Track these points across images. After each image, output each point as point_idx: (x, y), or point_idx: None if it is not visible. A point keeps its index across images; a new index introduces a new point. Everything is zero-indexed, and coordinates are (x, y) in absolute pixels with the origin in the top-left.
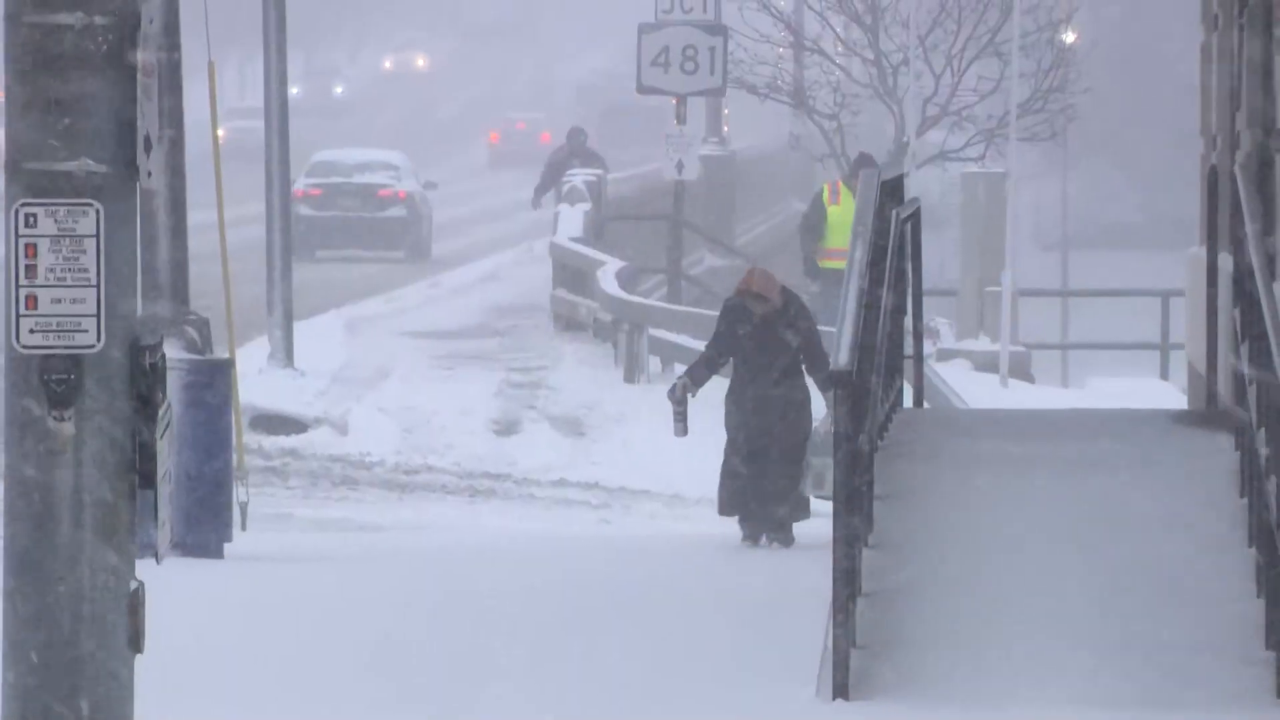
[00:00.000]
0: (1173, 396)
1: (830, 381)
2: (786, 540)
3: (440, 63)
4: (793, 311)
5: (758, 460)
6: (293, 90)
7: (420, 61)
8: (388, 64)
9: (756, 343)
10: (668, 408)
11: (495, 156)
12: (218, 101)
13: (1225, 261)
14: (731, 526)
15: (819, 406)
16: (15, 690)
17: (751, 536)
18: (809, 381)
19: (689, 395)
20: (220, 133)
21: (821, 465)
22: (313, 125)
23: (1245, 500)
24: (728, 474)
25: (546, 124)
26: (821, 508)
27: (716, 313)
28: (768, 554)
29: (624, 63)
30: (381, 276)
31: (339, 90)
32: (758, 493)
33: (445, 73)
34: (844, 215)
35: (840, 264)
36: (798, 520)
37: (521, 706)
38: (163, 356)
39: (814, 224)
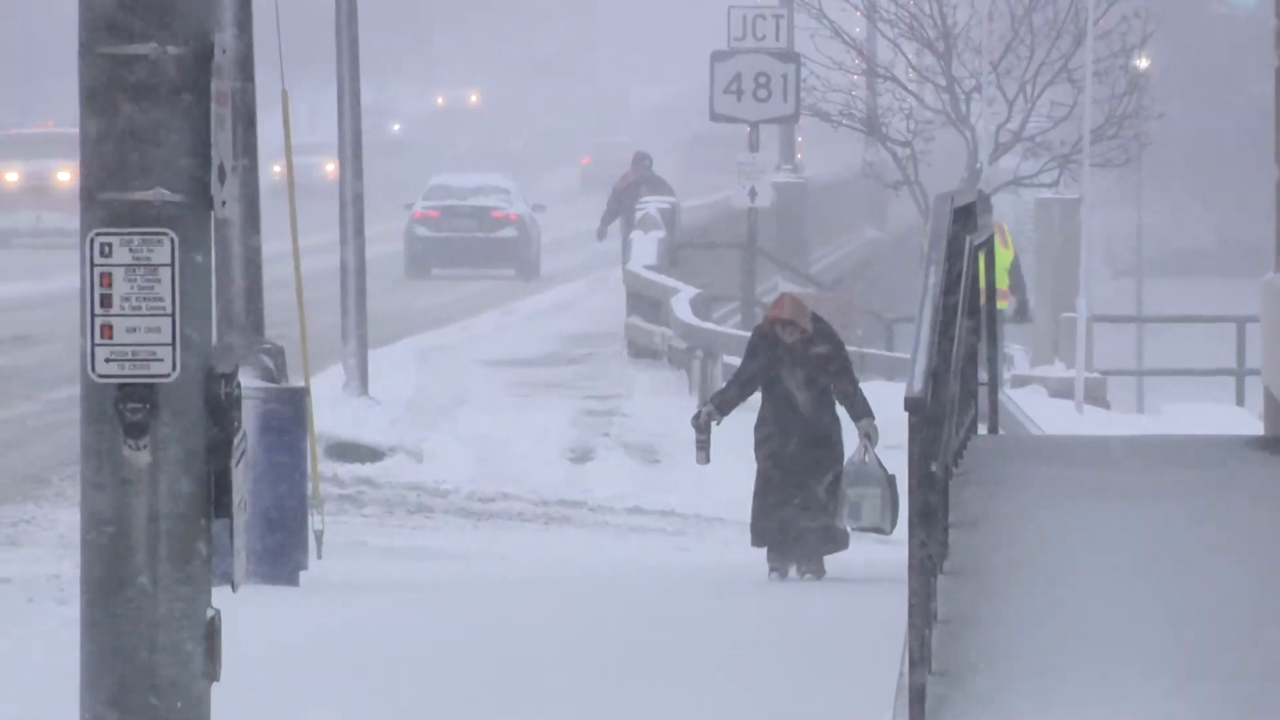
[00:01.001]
0: (1248, 423)
1: (906, 407)
2: (818, 572)
3: (494, 98)
4: (823, 338)
5: (789, 492)
6: (395, 126)
7: (474, 98)
8: (440, 100)
9: (786, 371)
10: (745, 432)
11: (586, 180)
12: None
13: None
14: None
15: (852, 436)
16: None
17: (780, 569)
18: (840, 411)
19: (713, 423)
20: (275, 169)
21: (858, 495)
22: (377, 163)
23: None
24: (759, 507)
25: (634, 148)
26: (859, 538)
27: None
28: (828, 585)
29: (701, 90)
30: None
31: (396, 128)
32: (789, 525)
33: (500, 107)
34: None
35: (999, 305)
36: (832, 552)
37: None
38: (238, 385)
39: None
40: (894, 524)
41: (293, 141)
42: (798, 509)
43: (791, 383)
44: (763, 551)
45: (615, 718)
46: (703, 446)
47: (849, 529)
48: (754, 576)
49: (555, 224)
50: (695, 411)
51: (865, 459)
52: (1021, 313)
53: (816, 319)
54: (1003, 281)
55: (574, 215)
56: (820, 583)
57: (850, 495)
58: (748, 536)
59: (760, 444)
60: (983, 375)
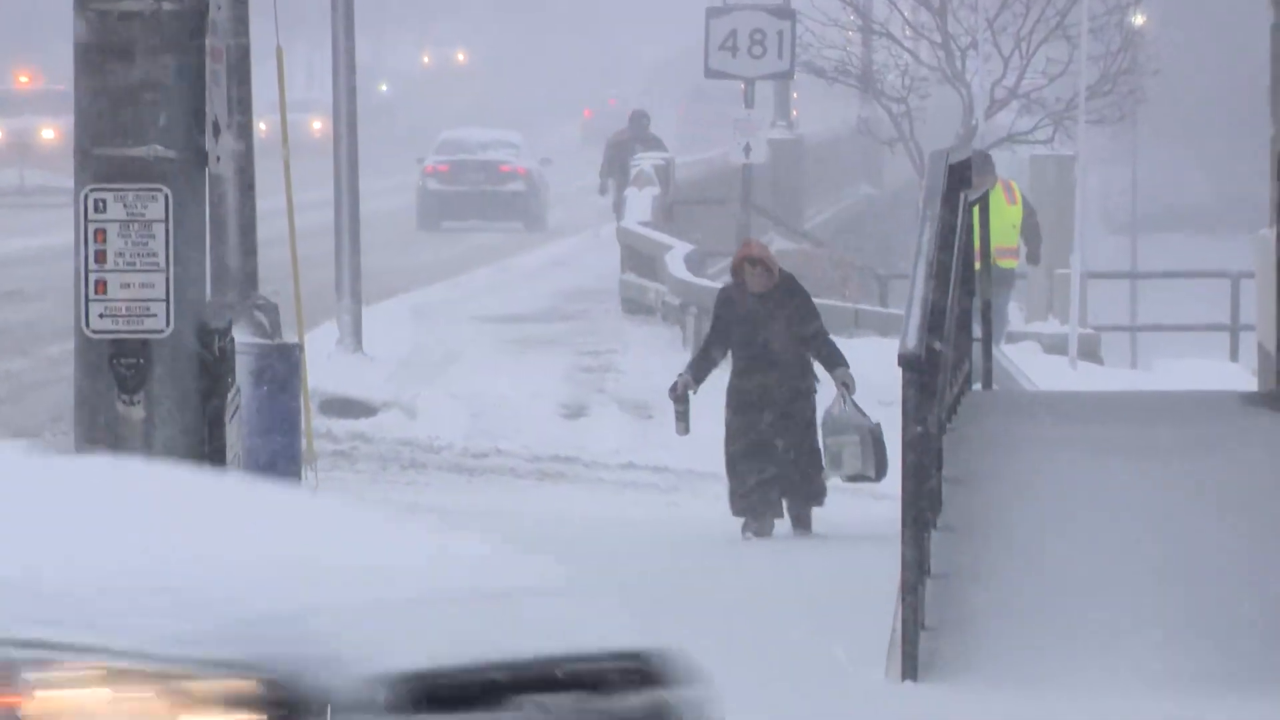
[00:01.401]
0: (1242, 378)
1: (900, 363)
2: (806, 528)
3: (483, 56)
4: (791, 289)
5: (764, 450)
6: (383, 87)
7: (461, 56)
8: (427, 60)
9: (754, 324)
10: None
11: (588, 134)
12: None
13: None
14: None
15: (828, 386)
16: None
17: (759, 530)
18: (812, 363)
19: (690, 392)
20: (262, 126)
21: (837, 444)
22: (368, 121)
23: None
24: (733, 472)
25: (637, 101)
26: (853, 492)
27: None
28: (820, 541)
29: (699, 46)
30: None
31: (384, 88)
32: (768, 484)
33: (490, 65)
34: (1002, 215)
35: (1005, 264)
36: (814, 506)
37: None
38: (231, 341)
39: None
40: (881, 471)
41: (289, 99)
42: (776, 468)
43: (760, 336)
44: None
45: None
46: (681, 417)
47: (837, 479)
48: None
49: (559, 179)
50: (672, 382)
51: (844, 407)
52: (1033, 257)
53: (783, 271)
54: (1011, 239)
55: (577, 170)
56: (813, 539)
57: (830, 444)
58: None
59: (730, 405)
60: (977, 331)
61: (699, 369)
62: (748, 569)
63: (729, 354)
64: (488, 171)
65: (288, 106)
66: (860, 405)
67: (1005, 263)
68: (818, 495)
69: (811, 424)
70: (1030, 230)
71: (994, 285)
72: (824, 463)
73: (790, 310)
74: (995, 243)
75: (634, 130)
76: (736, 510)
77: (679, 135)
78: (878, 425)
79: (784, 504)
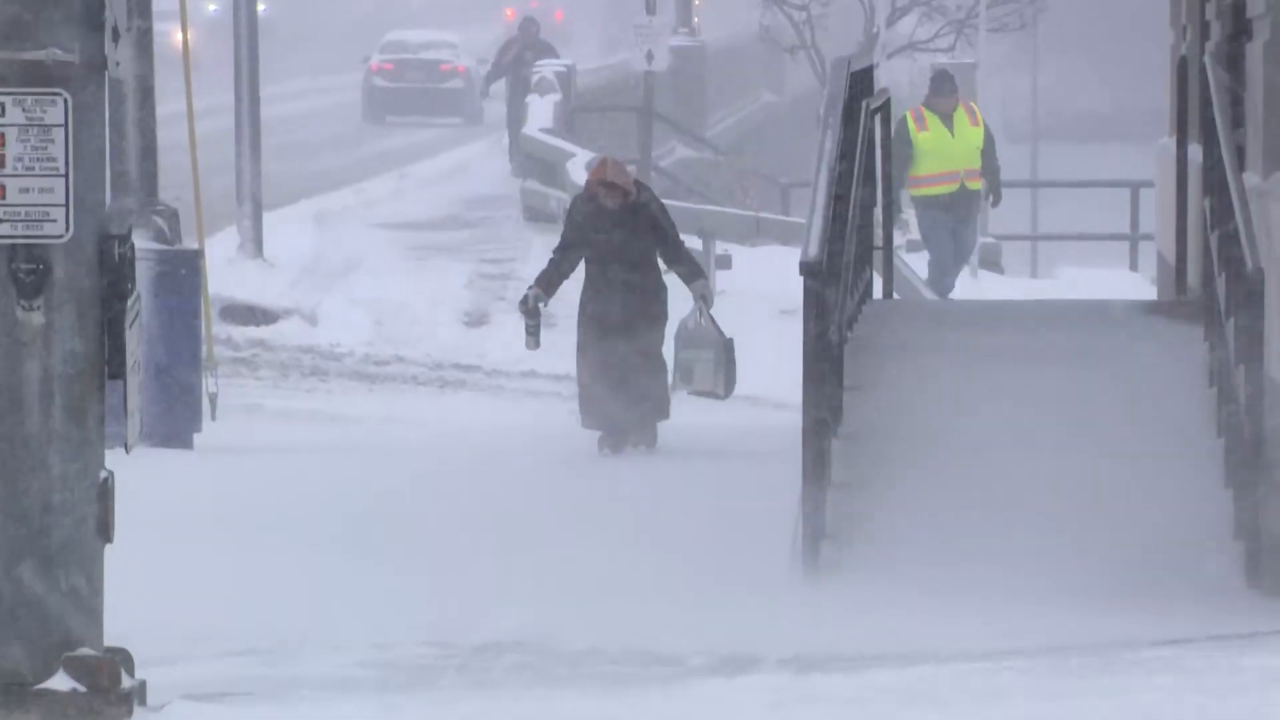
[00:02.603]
0: (1142, 287)
1: (801, 271)
2: (651, 441)
3: None
4: (646, 202)
5: (616, 362)
6: (211, 7)
7: None
8: None
9: (610, 238)
10: None
11: (509, 33)
12: None
13: (1194, 152)
14: (686, 418)
15: (684, 299)
16: None
17: (613, 445)
18: (666, 275)
19: (540, 305)
20: (212, 7)
21: (689, 359)
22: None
23: (1214, 390)
24: (584, 385)
25: (560, 3)
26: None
27: (686, 204)
28: (716, 455)
29: None
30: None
31: (262, 8)
32: (619, 397)
33: None
34: (935, 140)
35: (938, 189)
36: (659, 421)
37: (490, 595)
38: (131, 247)
39: (900, 155)
40: (729, 388)
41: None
42: (628, 379)
43: (616, 250)
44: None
45: (523, 571)
46: (532, 332)
47: (683, 393)
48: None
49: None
50: (522, 295)
51: (700, 321)
52: (995, 195)
53: (638, 183)
54: (974, 161)
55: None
56: (709, 452)
57: (682, 358)
58: None
59: (583, 318)
60: (878, 240)
61: (549, 281)
62: (654, 481)
63: (580, 266)
64: (429, 70)
65: (169, 15)
66: (715, 319)
67: (973, 184)
68: (663, 409)
69: (660, 339)
70: (989, 157)
71: (962, 208)
72: (674, 375)
73: (645, 223)
74: (963, 165)
75: (525, 38)
76: (587, 424)
77: (603, 36)
78: (730, 341)
79: (631, 413)
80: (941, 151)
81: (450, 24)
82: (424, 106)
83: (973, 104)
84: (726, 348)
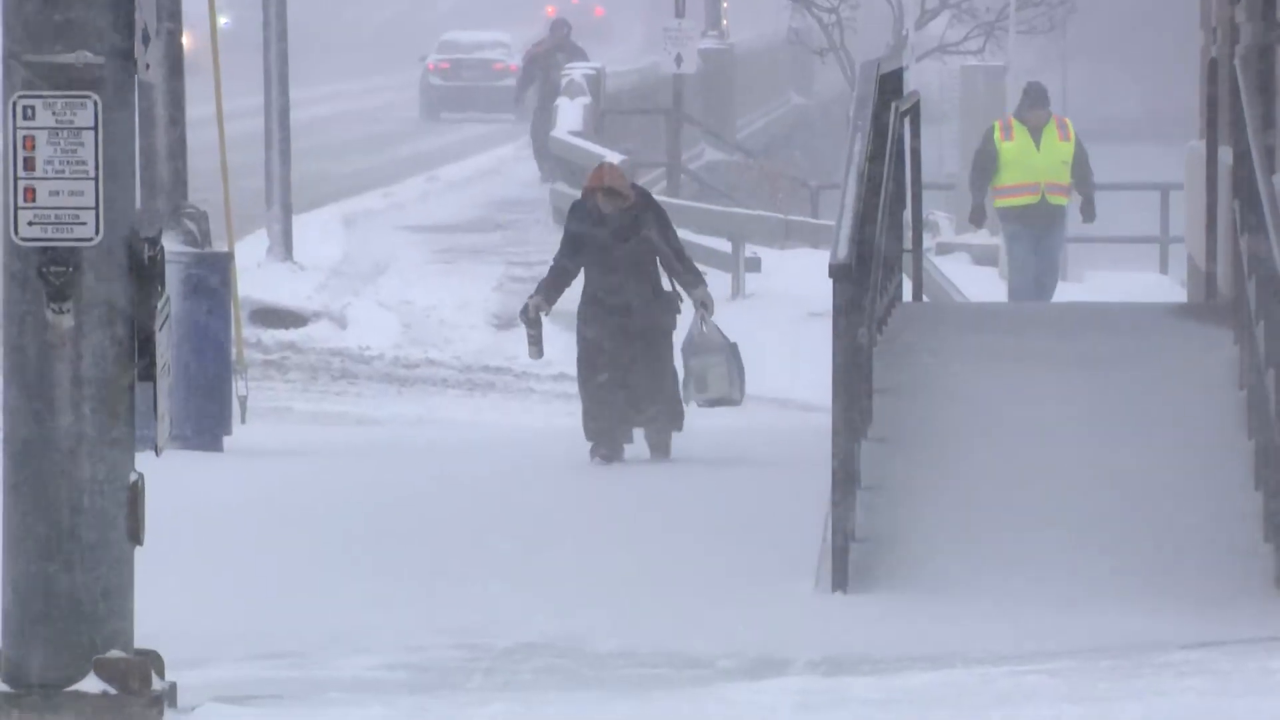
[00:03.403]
0: (1172, 290)
1: (830, 274)
2: (665, 453)
3: None
4: (647, 208)
5: (621, 374)
6: (223, 20)
7: None
8: None
9: (610, 245)
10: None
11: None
12: None
13: (1225, 154)
14: (714, 420)
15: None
16: (17, 582)
17: (608, 455)
18: (668, 283)
19: (542, 314)
20: (224, 20)
21: (701, 366)
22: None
23: (1244, 393)
24: (589, 397)
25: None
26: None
27: (715, 206)
28: (741, 462)
29: None
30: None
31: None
32: (622, 409)
33: None
34: (1020, 152)
35: (1017, 200)
36: (674, 431)
37: (519, 597)
38: (161, 249)
39: (986, 164)
40: (743, 393)
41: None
42: (634, 391)
43: (616, 257)
44: (695, 415)
45: (548, 575)
46: (534, 341)
47: (696, 403)
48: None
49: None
50: (522, 305)
51: (704, 329)
52: (1087, 211)
53: (638, 188)
54: (1063, 176)
55: None
56: (737, 455)
57: (694, 366)
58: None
59: (583, 328)
60: (907, 243)
61: (551, 290)
62: (681, 486)
63: (581, 274)
64: (483, 69)
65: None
66: (719, 325)
67: (1055, 199)
68: (677, 419)
69: (670, 347)
70: (1082, 171)
71: (1042, 221)
72: (686, 386)
73: (646, 229)
74: (1044, 178)
75: (555, 40)
76: (589, 433)
77: (646, 32)
78: (735, 345)
79: (642, 430)
80: (1024, 163)
81: (486, 23)
82: (478, 104)
83: (1066, 119)
84: (734, 352)
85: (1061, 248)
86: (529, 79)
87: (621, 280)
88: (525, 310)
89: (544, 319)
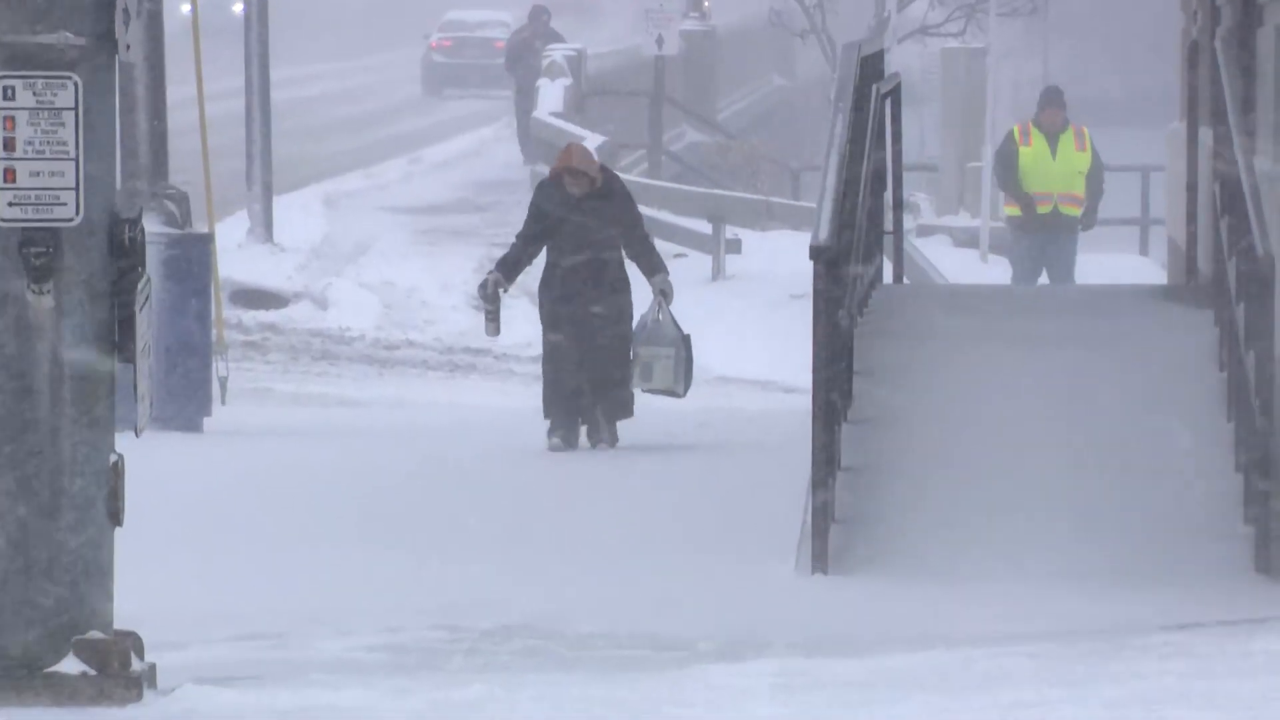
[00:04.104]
0: (1153, 272)
1: (811, 255)
2: (612, 439)
3: None
4: (612, 191)
5: (580, 355)
6: (184, 8)
7: None
8: None
9: (574, 226)
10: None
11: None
12: None
13: (1205, 136)
14: (695, 402)
15: (644, 293)
16: None
17: (565, 438)
18: (630, 268)
19: (501, 291)
20: (184, 9)
21: (650, 356)
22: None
23: (1224, 375)
24: (550, 377)
25: None
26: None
27: (697, 188)
28: (721, 445)
29: None
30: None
31: (238, 9)
32: (580, 392)
33: None
34: (1035, 159)
35: (1035, 209)
36: (620, 419)
37: (498, 578)
38: (142, 230)
39: (1009, 160)
40: (688, 386)
41: None
42: (592, 373)
43: (578, 239)
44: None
45: (529, 553)
46: (492, 318)
47: (638, 391)
48: (655, 426)
49: None
50: (481, 280)
51: (659, 317)
52: (1087, 220)
53: (605, 170)
54: (1077, 186)
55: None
56: (718, 436)
57: (643, 354)
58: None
59: (544, 308)
60: (888, 224)
61: (511, 268)
62: (661, 468)
63: (543, 254)
64: (484, 47)
65: None
66: (674, 315)
67: (1068, 209)
68: (626, 407)
69: (627, 335)
70: (1095, 185)
71: (1052, 232)
72: (632, 370)
73: (610, 213)
74: (1059, 188)
75: (535, 27)
76: (548, 413)
77: (635, 12)
78: (688, 338)
79: (593, 415)
80: (1038, 170)
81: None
82: (479, 80)
83: (1084, 129)
84: (685, 344)
85: (1075, 257)
86: (511, 62)
87: (583, 263)
88: (484, 286)
89: (503, 296)
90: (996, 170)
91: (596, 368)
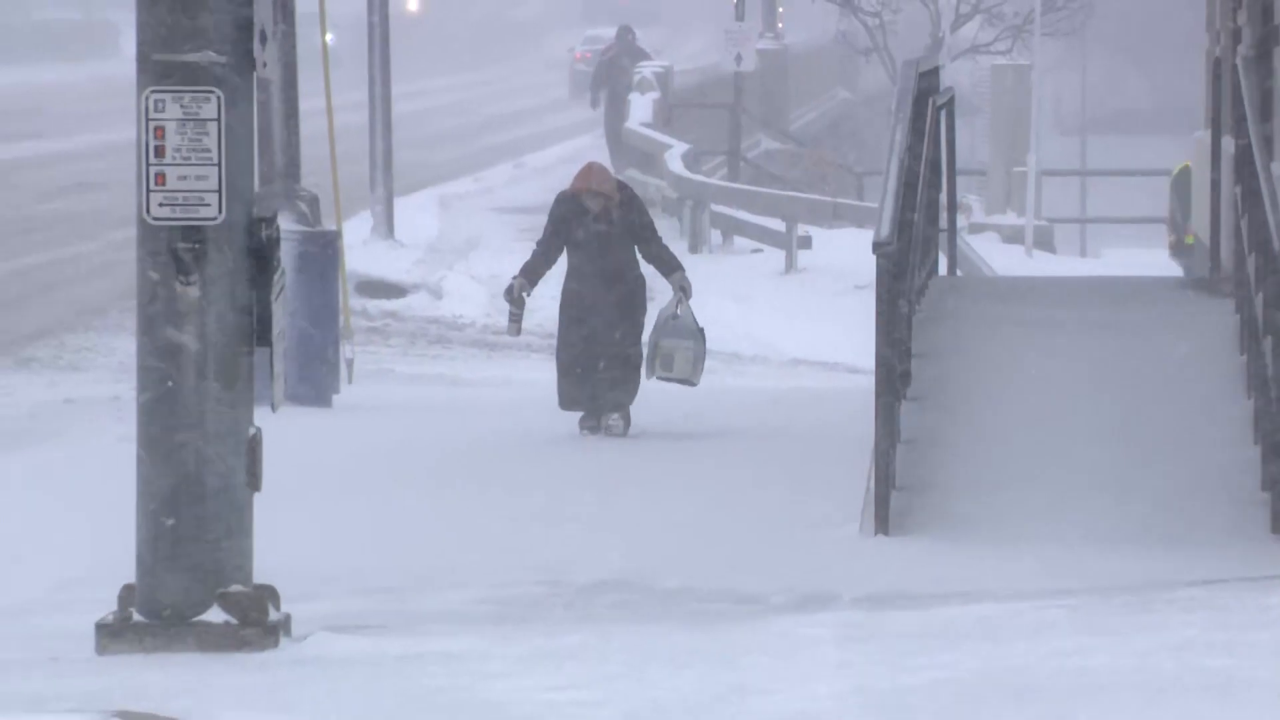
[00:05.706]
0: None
1: (874, 250)
2: (624, 427)
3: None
4: (629, 205)
5: (594, 351)
6: (329, 36)
7: (412, 4)
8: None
9: (593, 236)
10: (730, 274)
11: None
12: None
13: (1227, 144)
14: (763, 380)
15: (664, 291)
16: (147, 524)
17: (591, 426)
18: (645, 269)
19: (525, 295)
20: (330, 36)
21: (671, 347)
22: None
23: (1244, 357)
24: (563, 372)
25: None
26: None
27: (772, 191)
28: (793, 418)
29: None
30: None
31: (330, 38)
32: (596, 383)
33: (442, 10)
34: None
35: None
36: (626, 401)
37: (594, 538)
38: (277, 228)
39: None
40: (700, 376)
41: (326, 9)
42: (606, 367)
43: (598, 247)
44: (755, 378)
45: (616, 519)
46: (515, 319)
47: (657, 378)
48: (737, 401)
49: None
50: (507, 285)
51: (678, 312)
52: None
53: (622, 186)
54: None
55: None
56: (787, 412)
57: (664, 346)
58: (731, 367)
59: (564, 307)
60: (943, 223)
61: (533, 272)
62: (736, 441)
63: (564, 257)
64: None
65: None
66: (693, 310)
67: (1186, 239)
68: (631, 394)
69: (641, 331)
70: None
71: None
72: (650, 361)
73: (626, 222)
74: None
75: (621, 45)
76: (564, 405)
77: (713, 37)
78: (703, 331)
79: (608, 397)
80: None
81: (572, 22)
82: None
83: (1188, 164)
84: (702, 338)
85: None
86: (600, 81)
87: (601, 266)
88: (509, 290)
89: (526, 299)
90: (1174, 194)
91: (612, 360)
